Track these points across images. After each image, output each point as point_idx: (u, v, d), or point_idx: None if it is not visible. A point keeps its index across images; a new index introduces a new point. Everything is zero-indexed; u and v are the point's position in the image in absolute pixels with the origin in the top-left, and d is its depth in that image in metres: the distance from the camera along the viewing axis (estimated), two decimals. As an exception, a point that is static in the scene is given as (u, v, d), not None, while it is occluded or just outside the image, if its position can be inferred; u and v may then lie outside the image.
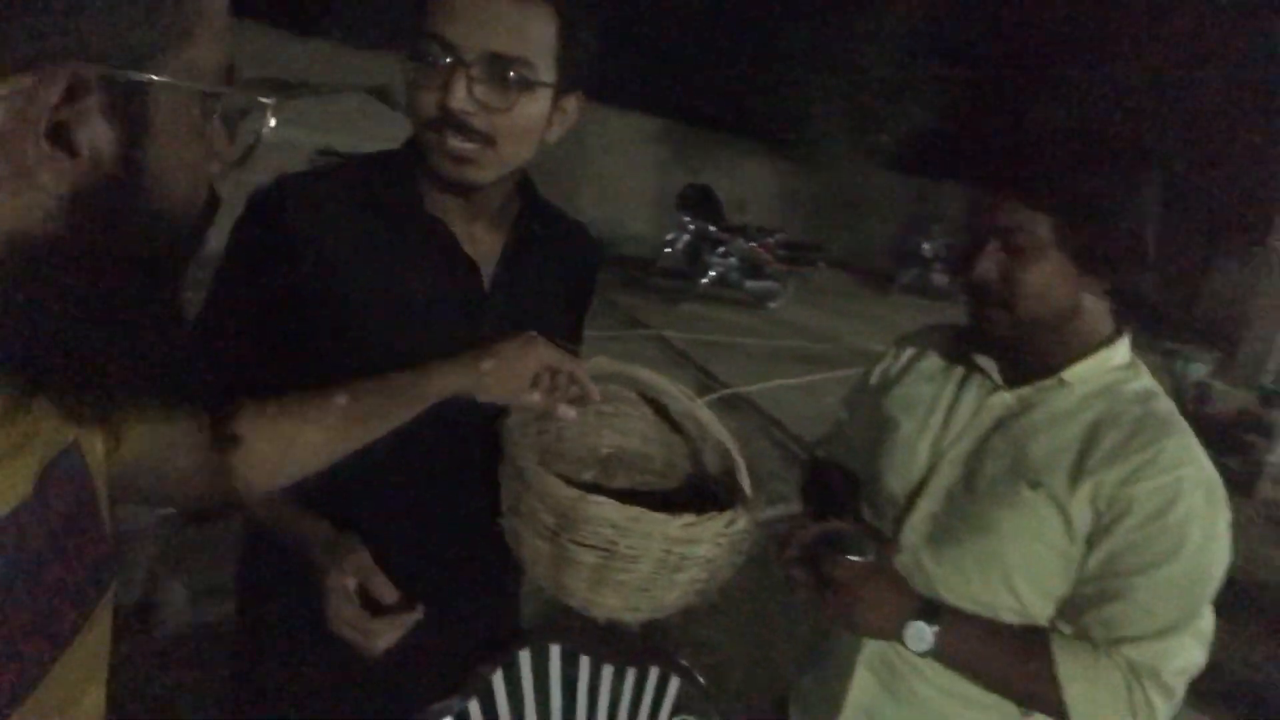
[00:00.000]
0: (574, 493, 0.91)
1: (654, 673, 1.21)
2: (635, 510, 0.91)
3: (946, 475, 1.14)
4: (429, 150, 0.96)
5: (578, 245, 1.22)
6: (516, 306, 1.08)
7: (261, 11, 8.25)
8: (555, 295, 1.16)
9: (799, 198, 13.94)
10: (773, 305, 9.25)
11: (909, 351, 1.30)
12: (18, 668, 0.50)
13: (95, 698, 0.61)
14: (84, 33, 0.42)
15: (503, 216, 1.09)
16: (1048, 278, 1.02)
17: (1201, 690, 1.11)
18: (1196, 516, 0.99)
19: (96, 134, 0.44)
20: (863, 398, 1.36)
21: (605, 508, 0.90)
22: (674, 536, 0.92)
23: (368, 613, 0.94)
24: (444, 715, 1.09)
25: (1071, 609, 1.05)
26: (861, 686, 1.19)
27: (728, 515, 0.94)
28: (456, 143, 0.93)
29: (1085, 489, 1.02)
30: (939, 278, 11.72)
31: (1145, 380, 1.10)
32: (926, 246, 11.96)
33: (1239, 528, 1.02)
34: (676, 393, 1.07)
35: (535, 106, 0.95)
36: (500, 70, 0.91)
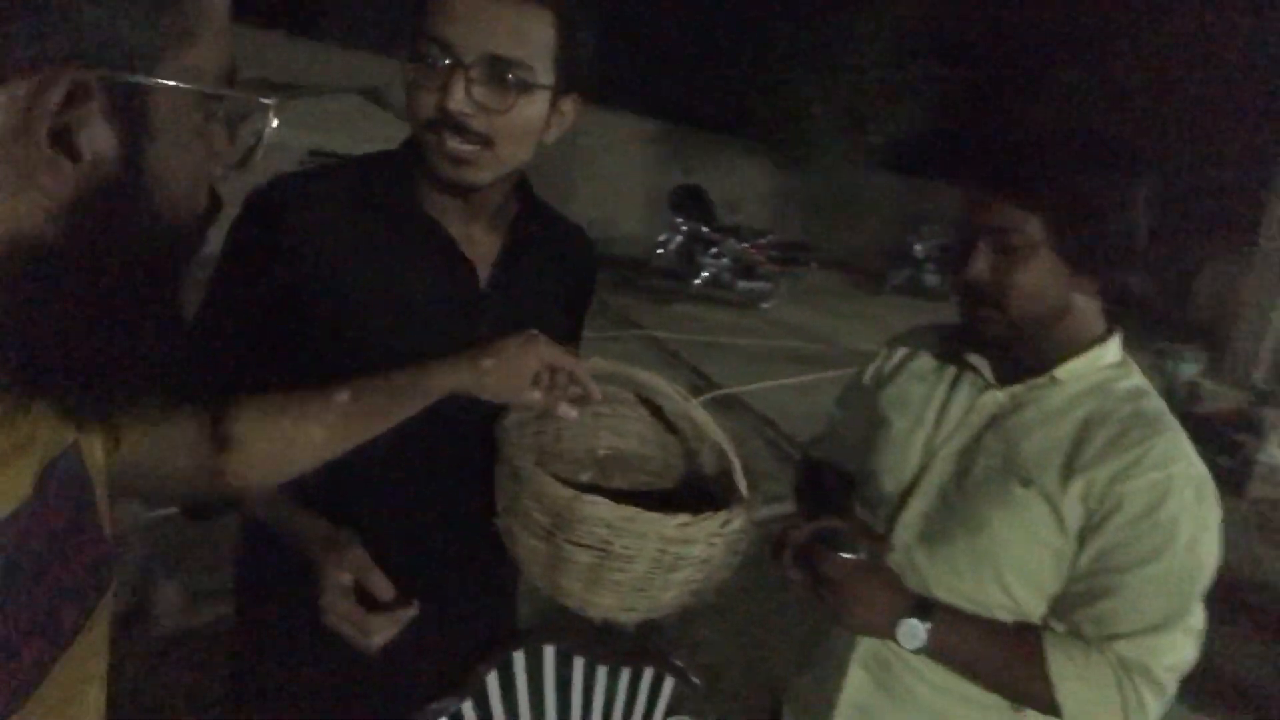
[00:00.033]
0: (569, 492, 0.92)
1: (648, 673, 1.21)
2: (630, 510, 0.91)
3: (939, 473, 1.15)
4: (428, 151, 0.96)
5: (576, 247, 1.22)
6: (513, 307, 1.08)
7: (256, 12, 8.23)
8: (553, 296, 1.16)
9: (792, 198, 13.94)
10: (765, 306, 9.25)
11: (901, 351, 1.31)
12: (18, 668, 0.50)
13: (95, 698, 0.61)
14: (85, 36, 0.43)
15: (500, 218, 1.09)
16: (1039, 277, 1.03)
17: (1194, 689, 1.12)
18: (1186, 513, 0.99)
19: (98, 137, 0.45)
20: (856, 397, 1.36)
21: (600, 507, 0.91)
22: (669, 536, 0.92)
23: (363, 608, 0.95)
24: (439, 716, 1.09)
25: (1063, 606, 1.06)
26: (856, 685, 1.20)
27: (723, 515, 0.94)
28: (455, 144, 0.94)
29: (1076, 486, 1.03)
30: (931, 278, 11.70)
31: (1136, 379, 1.11)
32: (918, 247, 11.95)
33: (1230, 527, 1.03)
34: (672, 393, 1.07)
35: (534, 108, 0.96)
36: (499, 72, 0.91)
